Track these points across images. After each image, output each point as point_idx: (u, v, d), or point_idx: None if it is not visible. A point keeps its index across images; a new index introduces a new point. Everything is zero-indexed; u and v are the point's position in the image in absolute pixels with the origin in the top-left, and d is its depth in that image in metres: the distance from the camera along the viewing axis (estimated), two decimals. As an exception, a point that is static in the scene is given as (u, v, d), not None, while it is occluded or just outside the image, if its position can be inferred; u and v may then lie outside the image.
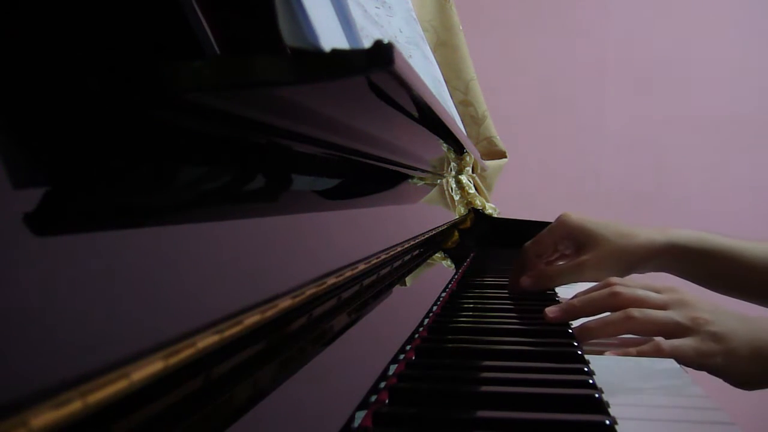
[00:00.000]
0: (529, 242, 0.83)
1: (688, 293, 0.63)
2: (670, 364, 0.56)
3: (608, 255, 0.76)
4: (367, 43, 0.27)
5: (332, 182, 0.52)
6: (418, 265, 0.77)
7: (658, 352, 0.57)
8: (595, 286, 0.67)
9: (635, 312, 0.59)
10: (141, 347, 0.20)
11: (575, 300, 0.64)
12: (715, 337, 0.57)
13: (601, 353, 0.59)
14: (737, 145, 2.25)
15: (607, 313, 0.62)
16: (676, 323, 0.59)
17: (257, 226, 0.34)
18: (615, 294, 0.62)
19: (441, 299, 0.74)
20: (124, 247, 0.22)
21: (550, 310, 0.64)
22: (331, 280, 0.39)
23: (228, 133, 0.34)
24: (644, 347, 0.58)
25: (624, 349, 0.59)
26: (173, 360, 0.21)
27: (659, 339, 0.59)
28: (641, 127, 2.27)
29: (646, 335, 0.61)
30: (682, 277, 0.81)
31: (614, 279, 0.66)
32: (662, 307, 0.61)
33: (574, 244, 0.80)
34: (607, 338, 0.62)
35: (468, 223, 1.34)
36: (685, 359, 0.57)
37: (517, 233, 1.35)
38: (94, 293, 0.20)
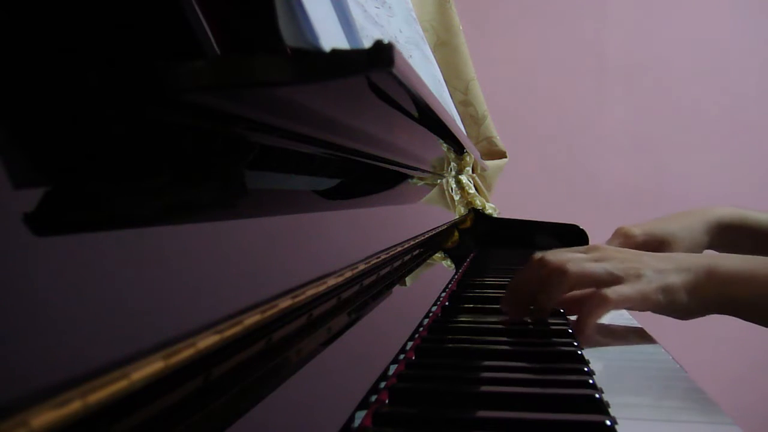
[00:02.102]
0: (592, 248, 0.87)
1: (609, 247, 0.66)
2: (670, 363, 0.56)
3: (687, 252, 0.83)
4: (367, 43, 0.27)
5: (332, 182, 0.52)
6: (418, 265, 0.77)
7: (604, 302, 0.59)
8: (525, 268, 0.69)
9: (569, 265, 0.61)
10: (141, 347, 0.20)
11: (510, 283, 0.67)
12: (649, 277, 0.61)
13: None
14: (737, 145, 2.25)
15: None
16: (610, 273, 0.61)
17: (257, 226, 0.34)
18: (542, 260, 0.64)
19: (441, 299, 0.74)
20: (124, 247, 0.22)
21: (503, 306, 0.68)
22: (331, 280, 0.39)
23: (228, 133, 0.34)
24: (591, 302, 0.60)
25: (576, 321, 0.60)
26: (173, 360, 0.21)
27: (600, 290, 0.60)
28: (641, 127, 2.27)
29: (583, 287, 0.63)
30: (726, 252, 0.88)
31: (541, 253, 0.68)
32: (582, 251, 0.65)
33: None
34: (554, 304, 0.64)
35: (468, 223, 1.34)
36: (631, 302, 0.60)
37: (517, 233, 1.36)
38: (94, 293, 0.20)
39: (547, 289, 0.62)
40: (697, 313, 0.62)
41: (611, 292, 0.59)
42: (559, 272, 0.61)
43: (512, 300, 0.65)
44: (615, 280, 0.61)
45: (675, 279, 0.61)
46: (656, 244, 0.84)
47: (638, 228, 0.85)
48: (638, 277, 0.61)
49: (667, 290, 0.60)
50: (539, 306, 0.63)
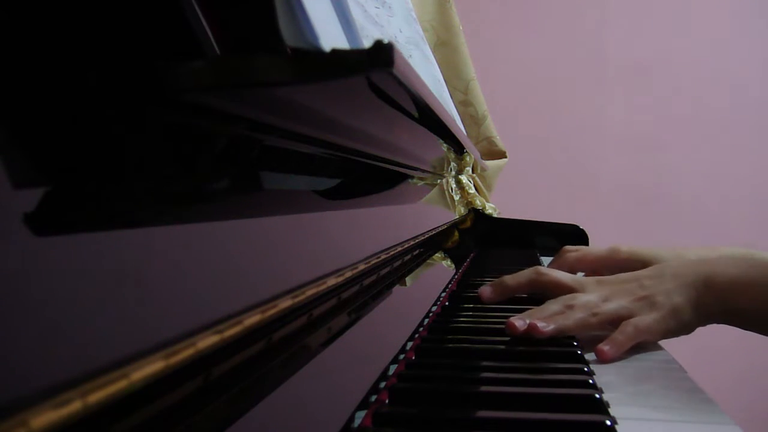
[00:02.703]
0: (572, 254, 0.86)
1: (606, 278, 0.67)
2: (669, 363, 0.56)
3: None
4: (367, 43, 0.27)
5: (332, 182, 0.52)
6: (418, 265, 0.77)
7: (636, 334, 0.59)
8: (521, 273, 0.73)
9: (592, 320, 0.61)
10: (141, 347, 0.20)
11: (506, 277, 0.70)
12: (660, 304, 0.60)
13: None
14: (737, 145, 2.25)
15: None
16: (626, 309, 0.61)
17: (257, 226, 0.34)
18: (540, 274, 0.69)
19: (441, 299, 0.74)
20: (124, 247, 0.22)
21: (483, 291, 0.71)
22: (331, 280, 0.39)
23: (228, 133, 0.34)
24: (619, 338, 0.58)
25: (600, 355, 0.59)
26: (173, 360, 0.21)
27: (623, 330, 0.59)
28: (641, 127, 2.27)
29: (605, 328, 0.62)
30: None
31: (540, 268, 0.72)
32: (579, 287, 0.66)
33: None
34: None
35: (468, 223, 1.34)
36: (651, 335, 0.59)
37: (517, 233, 1.36)
38: (94, 293, 0.20)
39: (579, 330, 0.61)
40: (698, 325, 0.62)
41: (642, 323, 0.59)
42: (585, 326, 0.61)
43: (502, 294, 0.69)
44: (630, 313, 0.60)
45: (680, 299, 0.60)
46: (640, 265, 0.80)
47: (626, 246, 0.84)
48: (651, 306, 0.60)
49: (676, 313, 0.60)
50: (565, 332, 0.61)
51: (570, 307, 0.62)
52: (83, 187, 0.23)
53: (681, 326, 0.61)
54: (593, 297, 0.63)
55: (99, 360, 0.18)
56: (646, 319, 0.60)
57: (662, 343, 0.63)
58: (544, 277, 0.70)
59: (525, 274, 0.71)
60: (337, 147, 0.50)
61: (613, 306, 0.61)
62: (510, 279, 0.71)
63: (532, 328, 0.57)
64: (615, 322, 0.61)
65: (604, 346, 0.57)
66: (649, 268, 0.67)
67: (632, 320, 0.59)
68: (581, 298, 0.63)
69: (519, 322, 0.58)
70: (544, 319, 0.59)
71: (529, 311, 0.62)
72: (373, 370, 0.43)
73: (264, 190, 0.38)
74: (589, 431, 0.39)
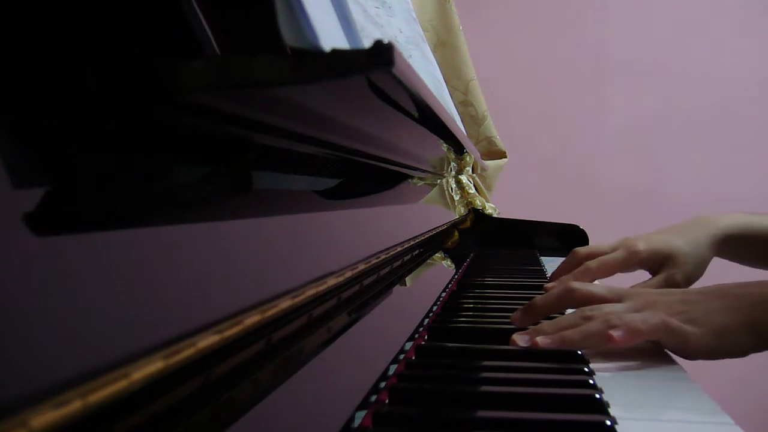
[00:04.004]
0: (593, 263, 0.82)
1: (650, 292, 0.63)
2: (669, 363, 0.56)
3: (693, 267, 0.80)
4: (367, 43, 0.27)
5: (332, 182, 0.52)
6: (418, 265, 0.77)
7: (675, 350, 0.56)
8: (552, 292, 0.66)
9: (615, 320, 0.57)
10: (141, 347, 0.20)
11: (545, 325, 0.60)
12: (697, 322, 0.56)
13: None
14: (737, 145, 2.25)
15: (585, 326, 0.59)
16: (663, 321, 0.57)
17: (257, 226, 0.34)
18: (587, 318, 0.59)
19: (441, 299, 0.74)
20: (124, 247, 0.22)
21: (515, 317, 0.63)
22: (332, 280, 0.39)
23: (228, 133, 0.34)
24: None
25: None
26: (173, 360, 0.21)
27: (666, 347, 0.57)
28: (641, 126, 2.27)
29: (630, 344, 0.58)
30: (733, 260, 0.87)
31: (573, 284, 0.65)
32: (617, 299, 0.61)
33: (651, 268, 0.82)
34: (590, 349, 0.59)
35: (468, 223, 1.34)
36: (683, 352, 0.57)
37: (517, 233, 1.36)
38: (94, 293, 0.20)
39: (588, 338, 0.56)
40: (758, 348, 0.56)
41: (678, 342, 0.56)
42: (606, 327, 0.56)
43: (538, 332, 0.59)
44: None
45: (727, 319, 0.56)
46: (660, 260, 0.81)
47: (642, 243, 0.82)
48: (688, 322, 0.56)
49: (719, 333, 0.55)
50: (572, 344, 0.57)
51: (588, 318, 0.57)
52: (83, 187, 0.23)
53: (727, 347, 0.56)
54: (620, 307, 0.59)
55: (99, 360, 0.18)
56: (688, 333, 0.56)
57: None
58: (576, 293, 0.63)
59: (554, 294, 0.64)
60: (337, 147, 0.50)
61: (639, 317, 0.56)
62: (540, 300, 0.64)
63: (533, 345, 0.55)
64: (644, 339, 0.57)
65: (616, 332, 0.54)
66: (704, 286, 0.62)
67: (667, 342, 0.56)
68: (604, 308, 0.58)
69: (522, 338, 0.56)
70: (550, 334, 0.56)
71: (540, 324, 0.59)
72: (373, 370, 0.43)
73: (264, 190, 0.38)
74: (589, 431, 0.39)
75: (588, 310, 0.58)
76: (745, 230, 0.84)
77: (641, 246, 0.82)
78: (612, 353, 0.58)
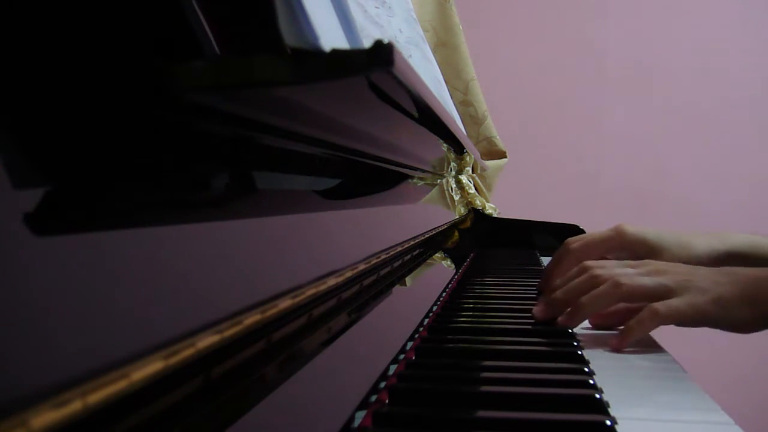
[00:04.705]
0: (576, 243, 0.81)
1: (659, 262, 0.64)
2: (670, 363, 0.56)
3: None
4: (367, 43, 0.27)
5: (332, 182, 0.52)
6: (418, 265, 0.77)
7: (656, 315, 0.58)
8: (571, 272, 0.67)
9: (623, 278, 0.60)
10: (141, 347, 0.20)
11: (558, 292, 0.64)
12: (703, 290, 0.59)
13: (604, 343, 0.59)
14: (737, 145, 2.25)
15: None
16: (663, 285, 0.60)
17: (257, 226, 0.34)
18: (595, 277, 0.63)
19: (441, 299, 0.74)
20: (124, 247, 0.22)
21: (538, 310, 0.65)
22: (332, 280, 0.39)
23: (228, 133, 0.34)
24: (641, 315, 0.58)
25: (622, 329, 0.59)
26: (173, 360, 0.21)
27: (651, 304, 0.59)
28: (641, 126, 2.27)
29: (635, 301, 0.62)
30: None
31: (589, 262, 0.67)
32: (623, 266, 0.63)
33: (633, 256, 0.80)
34: (600, 312, 0.63)
35: (468, 223, 1.34)
36: (681, 316, 0.58)
37: (517, 233, 1.36)
38: (94, 293, 0.20)
39: (596, 300, 0.60)
40: (758, 325, 0.59)
41: (661, 305, 0.58)
42: (613, 285, 0.60)
43: (553, 303, 0.63)
44: (667, 293, 0.59)
45: (730, 289, 0.58)
46: (645, 249, 0.79)
47: (633, 228, 0.81)
48: (689, 289, 0.59)
49: (720, 301, 0.58)
50: (579, 314, 0.61)
51: (595, 277, 0.61)
52: (83, 187, 0.23)
53: (729, 319, 0.58)
54: (631, 271, 0.61)
55: (99, 360, 0.18)
56: (675, 301, 0.58)
57: (661, 342, 0.62)
58: (623, 288, 0.61)
59: (580, 284, 0.63)
60: (337, 147, 0.50)
61: (647, 280, 0.59)
62: (587, 300, 0.62)
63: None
64: (647, 298, 0.59)
65: (614, 339, 0.57)
66: (715, 267, 0.64)
67: (654, 303, 0.58)
68: (614, 270, 0.62)
69: (541, 312, 0.62)
70: (566, 300, 0.61)
71: (553, 295, 0.63)
72: (373, 370, 0.43)
73: (264, 190, 0.38)
74: (589, 431, 0.39)
75: (597, 269, 0.62)
76: (750, 249, 0.80)
77: (629, 229, 0.80)
78: (612, 352, 0.58)
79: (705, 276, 0.60)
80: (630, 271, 0.62)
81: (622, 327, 0.63)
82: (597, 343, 0.62)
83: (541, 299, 0.67)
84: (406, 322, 0.58)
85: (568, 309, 0.62)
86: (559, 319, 0.62)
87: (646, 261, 0.65)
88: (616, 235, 0.81)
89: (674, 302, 0.58)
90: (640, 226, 0.83)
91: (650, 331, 0.59)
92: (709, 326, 0.60)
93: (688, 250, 0.78)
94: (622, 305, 0.64)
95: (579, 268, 0.66)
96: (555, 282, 0.68)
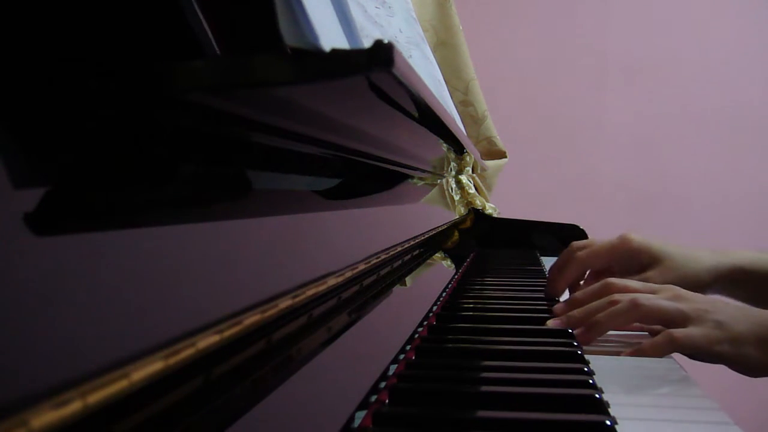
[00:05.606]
0: (582, 252, 0.82)
1: (681, 289, 0.64)
2: (670, 363, 0.56)
3: (675, 278, 0.77)
4: (367, 43, 0.27)
5: (332, 182, 0.52)
6: (418, 265, 0.77)
7: (672, 342, 0.57)
8: (593, 288, 0.67)
9: (642, 299, 0.60)
10: (141, 347, 0.20)
11: (576, 311, 0.64)
12: (719, 324, 0.58)
13: (617, 353, 0.59)
14: (738, 145, 2.25)
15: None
16: (681, 312, 0.59)
17: (257, 226, 0.34)
18: (614, 303, 0.62)
19: (441, 299, 0.74)
20: (124, 247, 0.22)
21: (555, 324, 0.64)
22: (332, 280, 0.39)
23: (228, 133, 0.34)
24: (657, 339, 0.58)
25: (637, 347, 0.59)
26: (173, 360, 0.21)
27: (668, 330, 0.59)
28: (641, 126, 2.27)
29: (651, 323, 0.62)
30: (739, 300, 0.82)
31: (612, 280, 0.67)
32: (649, 290, 0.63)
33: (637, 265, 0.80)
34: (616, 330, 0.63)
35: (468, 223, 1.34)
36: (696, 347, 0.58)
37: (517, 233, 1.36)
38: (94, 293, 0.20)
39: (613, 318, 0.61)
40: (762, 368, 0.59)
41: (680, 333, 0.58)
42: (632, 305, 0.60)
43: (569, 320, 0.63)
44: (684, 320, 0.59)
45: (746, 328, 0.58)
46: (648, 258, 0.79)
47: (638, 236, 0.81)
48: (706, 321, 0.58)
49: (734, 338, 0.58)
50: (595, 331, 0.61)
51: (614, 303, 0.61)
52: (83, 187, 0.23)
53: (740, 360, 0.58)
54: (650, 294, 0.62)
55: (99, 360, 0.18)
56: (693, 330, 0.58)
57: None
58: (641, 309, 0.61)
59: (600, 306, 0.63)
60: (337, 147, 0.50)
61: (666, 304, 0.60)
62: (604, 317, 0.61)
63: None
64: (663, 322, 0.60)
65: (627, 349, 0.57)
66: (734, 304, 0.64)
67: (673, 330, 0.58)
68: (633, 291, 0.62)
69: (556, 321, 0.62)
70: (582, 319, 0.61)
71: (572, 312, 0.63)
72: (373, 370, 0.43)
73: (264, 190, 0.38)
74: (589, 431, 0.39)
75: (617, 294, 0.62)
76: (755, 265, 0.80)
77: (635, 238, 0.81)
78: (613, 352, 0.58)
79: (722, 310, 0.59)
80: (650, 294, 0.62)
81: (624, 332, 0.63)
82: (597, 343, 0.62)
83: (555, 310, 0.66)
84: (406, 322, 0.58)
85: (583, 326, 0.62)
86: (575, 332, 0.62)
87: (668, 286, 0.65)
88: (621, 243, 0.81)
89: (692, 331, 0.58)
90: (646, 235, 0.83)
91: (662, 357, 0.58)
92: (719, 362, 0.59)
93: (693, 262, 0.79)
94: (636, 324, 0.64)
95: (601, 287, 0.66)
96: (577, 296, 0.67)
